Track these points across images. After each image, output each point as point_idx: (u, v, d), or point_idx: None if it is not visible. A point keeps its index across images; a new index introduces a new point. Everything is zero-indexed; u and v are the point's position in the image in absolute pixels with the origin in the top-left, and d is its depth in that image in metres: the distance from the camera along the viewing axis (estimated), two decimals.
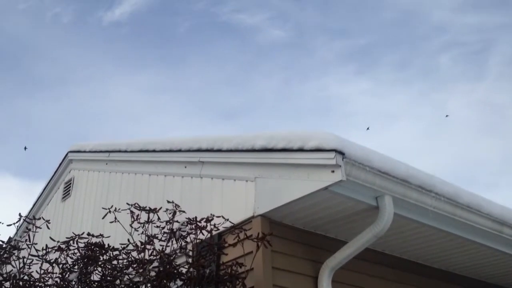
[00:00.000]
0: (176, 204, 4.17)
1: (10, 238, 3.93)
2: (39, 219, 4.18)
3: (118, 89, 18.77)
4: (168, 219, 3.96)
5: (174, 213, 4.02)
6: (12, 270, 3.74)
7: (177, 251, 3.82)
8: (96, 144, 6.72)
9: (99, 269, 3.90)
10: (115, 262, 3.88)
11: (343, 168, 3.37)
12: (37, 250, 3.87)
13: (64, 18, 17.22)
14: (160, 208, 4.09)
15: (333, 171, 3.40)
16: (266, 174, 3.92)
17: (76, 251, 3.96)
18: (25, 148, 8.27)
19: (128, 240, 3.96)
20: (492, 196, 4.65)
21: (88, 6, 16.54)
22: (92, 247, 3.89)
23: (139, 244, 3.82)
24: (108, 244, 3.95)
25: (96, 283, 3.81)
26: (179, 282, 3.60)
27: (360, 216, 3.92)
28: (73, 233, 4.18)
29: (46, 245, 3.94)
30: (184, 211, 4.18)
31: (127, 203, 4.21)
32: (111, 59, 17.57)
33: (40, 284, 3.74)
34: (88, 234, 4.06)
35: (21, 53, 17.25)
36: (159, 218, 4.04)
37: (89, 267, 3.88)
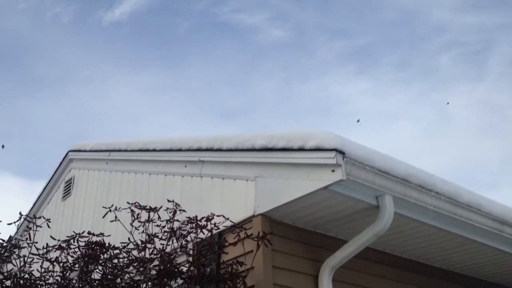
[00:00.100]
0: (176, 203, 4.18)
1: (10, 236, 3.93)
2: (39, 218, 4.18)
3: (118, 89, 18.80)
4: (168, 218, 3.96)
5: (175, 212, 4.03)
6: (12, 268, 3.74)
7: (178, 250, 3.82)
8: (97, 143, 6.72)
9: (100, 267, 3.91)
10: (115, 260, 3.88)
11: (343, 167, 3.37)
12: (37, 249, 3.88)
13: (64, 18, 17.25)
14: (161, 207, 4.09)
15: (333, 171, 3.40)
16: (266, 173, 3.92)
17: (76, 250, 3.97)
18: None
19: (129, 239, 3.96)
20: (492, 196, 4.67)
21: (88, 6, 16.57)
22: (93, 246, 3.89)
23: (139, 243, 3.82)
24: (109, 243, 3.96)
25: (96, 282, 3.82)
26: (179, 281, 3.61)
27: (360, 215, 3.92)
28: (73, 232, 4.19)
29: (47, 244, 3.95)
30: (184, 210, 4.18)
31: (128, 202, 4.21)
32: (111, 59, 17.60)
33: (40, 283, 3.74)
34: (89, 233, 4.06)
35: (21, 53, 17.28)
36: (159, 217, 4.04)
37: (89, 266, 3.89)
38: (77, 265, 3.93)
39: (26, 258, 3.80)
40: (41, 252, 3.88)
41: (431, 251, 4.85)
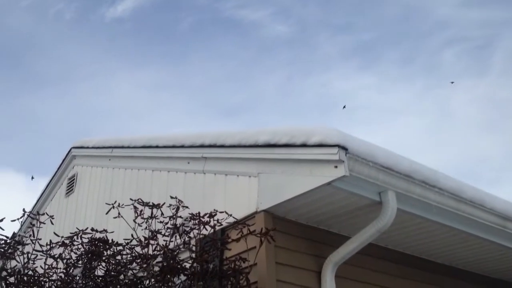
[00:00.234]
0: (179, 200, 4.18)
1: (14, 233, 3.95)
2: (43, 214, 4.20)
3: (121, 86, 18.79)
4: (171, 214, 3.97)
5: (178, 208, 4.03)
6: (16, 265, 3.76)
7: (181, 246, 3.83)
8: (99, 140, 6.73)
9: (103, 264, 3.92)
10: (119, 257, 3.90)
11: (346, 163, 3.36)
12: (41, 246, 3.89)
13: (67, 15, 17.24)
14: (164, 203, 4.09)
15: (336, 167, 3.39)
16: (269, 169, 3.92)
17: (80, 246, 3.98)
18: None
19: (132, 235, 3.97)
20: (495, 192, 4.65)
21: (91, 3, 16.56)
22: (96, 242, 3.90)
23: (142, 239, 3.83)
24: (112, 239, 3.97)
25: (100, 278, 3.83)
26: (182, 277, 3.61)
27: (363, 212, 3.92)
28: (77, 228, 4.20)
29: (50, 241, 3.96)
30: (187, 207, 4.19)
31: (131, 199, 4.22)
32: (114, 55, 17.59)
33: (44, 279, 3.76)
34: (92, 229, 4.07)
35: (24, 50, 17.29)
36: (162, 214, 4.05)
37: (93, 262, 3.90)
38: (80, 262, 3.95)
39: (29, 255, 3.81)
40: (44, 248, 3.90)
41: (434, 247, 4.84)
